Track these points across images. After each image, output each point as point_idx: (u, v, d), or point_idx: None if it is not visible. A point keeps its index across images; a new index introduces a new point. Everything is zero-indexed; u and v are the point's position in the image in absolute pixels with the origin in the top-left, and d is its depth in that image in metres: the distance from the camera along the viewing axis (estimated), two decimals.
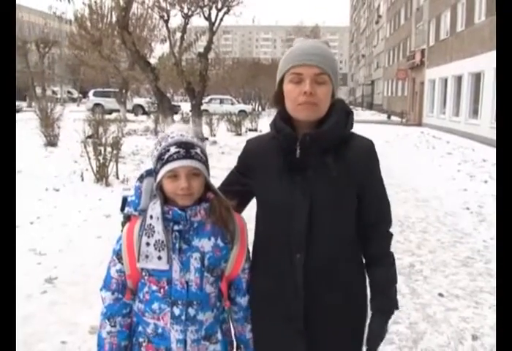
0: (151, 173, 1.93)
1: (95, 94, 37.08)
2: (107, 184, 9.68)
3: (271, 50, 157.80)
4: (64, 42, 36.00)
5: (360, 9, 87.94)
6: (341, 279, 1.95)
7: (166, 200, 1.88)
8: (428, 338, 3.84)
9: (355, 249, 2.00)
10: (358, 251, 2.02)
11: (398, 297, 2.05)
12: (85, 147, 10.23)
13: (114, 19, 19.30)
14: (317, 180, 1.89)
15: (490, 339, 3.83)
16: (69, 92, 52.05)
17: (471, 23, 23.95)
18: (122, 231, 1.95)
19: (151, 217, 1.86)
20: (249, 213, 2.12)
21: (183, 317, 1.89)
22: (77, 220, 6.99)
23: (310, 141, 1.87)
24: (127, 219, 1.96)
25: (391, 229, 2.05)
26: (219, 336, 1.99)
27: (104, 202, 8.21)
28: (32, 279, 4.80)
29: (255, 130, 24.17)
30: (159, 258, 1.84)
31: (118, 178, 10.14)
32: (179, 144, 1.84)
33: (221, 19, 16.17)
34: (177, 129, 1.92)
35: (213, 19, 16.19)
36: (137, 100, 37.91)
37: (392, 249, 2.04)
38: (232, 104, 40.28)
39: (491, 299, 4.57)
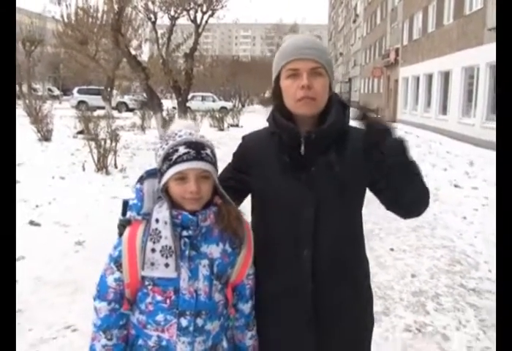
0: (152, 174, 1.83)
1: (79, 92, 37.82)
2: (108, 173, 10.74)
3: (250, 47, 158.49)
4: (49, 40, 36.71)
5: (339, 7, 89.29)
6: (349, 273, 1.94)
7: (172, 204, 1.77)
8: (379, 277, 5.05)
9: (361, 243, 2.02)
10: (363, 246, 2.04)
11: None
12: (87, 140, 11.31)
13: (104, 21, 20.23)
14: (321, 176, 1.86)
15: (424, 277, 5.09)
16: (49, 89, 52.29)
17: (440, 25, 25.30)
18: (121, 236, 1.80)
19: (157, 221, 1.74)
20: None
21: (191, 328, 1.77)
22: (88, 200, 8.08)
23: (315, 138, 1.85)
24: (127, 223, 1.81)
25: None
26: (225, 344, 1.90)
27: (108, 188, 9.30)
28: (64, 242, 5.93)
29: (237, 126, 25.36)
30: (167, 265, 1.73)
31: (116, 167, 11.22)
32: (189, 144, 1.74)
33: (206, 21, 17.28)
34: (184, 127, 1.81)
35: (198, 21, 17.28)
36: (121, 98, 38.72)
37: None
38: (214, 101, 41.17)
39: (431, 252, 5.85)
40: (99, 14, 23.57)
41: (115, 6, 13.53)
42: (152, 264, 1.73)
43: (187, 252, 1.75)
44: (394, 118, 34.93)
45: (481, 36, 18.95)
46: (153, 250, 1.73)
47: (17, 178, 9.46)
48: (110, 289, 1.80)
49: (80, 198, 8.21)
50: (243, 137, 2.10)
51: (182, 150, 1.71)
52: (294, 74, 1.85)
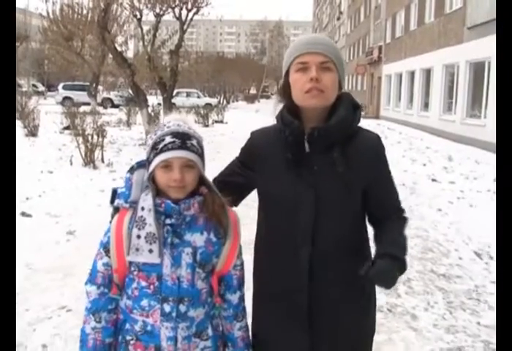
0: (142, 165, 1.88)
1: (64, 87, 37.81)
2: (95, 167, 10.96)
3: (235, 44, 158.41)
4: (34, 36, 36.59)
5: (323, 5, 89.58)
6: (347, 272, 1.91)
7: (158, 192, 1.82)
8: None
9: (360, 243, 1.98)
10: (363, 245, 2.00)
11: None
12: (75, 135, 11.51)
13: (89, 17, 20.32)
14: (323, 174, 1.87)
15: None
16: (34, 85, 52.07)
17: (422, 23, 25.71)
18: (111, 223, 1.88)
19: (143, 209, 1.79)
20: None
21: (173, 314, 1.82)
22: (77, 193, 8.31)
23: (318, 135, 1.86)
24: (116, 211, 1.88)
25: None
26: (210, 331, 1.93)
27: (95, 181, 9.52)
28: (55, 232, 6.17)
29: (221, 122, 25.61)
30: (150, 251, 1.78)
31: (103, 161, 11.43)
32: (175, 134, 1.79)
33: (191, 19, 17.46)
34: (174, 119, 1.86)
35: (183, 18, 17.45)
36: (106, 94, 38.76)
37: None
38: (199, 97, 41.28)
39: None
40: (85, 11, 23.59)
41: (102, 4, 13.67)
42: (137, 249, 1.79)
43: (169, 239, 1.80)
44: (377, 115, 35.35)
45: (461, 34, 19.36)
46: (138, 236, 1.78)
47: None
48: (99, 274, 1.87)
49: (68, 191, 8.44)
50: (252, 133, 2.10)
51: (168, 139, 1.77)
52: (303, 67, 1.87)
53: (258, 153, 2.01)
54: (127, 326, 1.88)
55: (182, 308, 1.83)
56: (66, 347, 3.52)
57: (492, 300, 4.49)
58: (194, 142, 1.81)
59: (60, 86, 38.57)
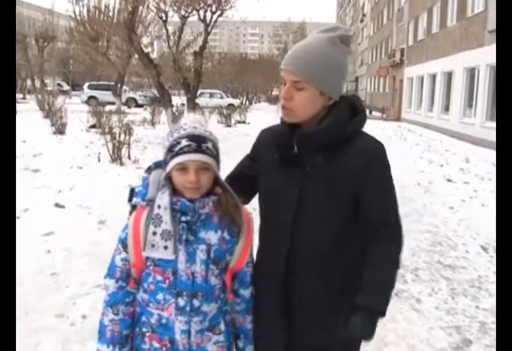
0: (159, 165, 1.95)
1: (90, 87, 38.66)
2: (122, 164, 11.44)
3: (258, 45, 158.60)
4: (60, 36, 37.42)
5: (346, 7, 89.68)
6: (326, 271, 1.94)
7: (174, 191, 1.89)
8: None
9: (346, 244, 1.94)
10: (350, 247, 1.95)
11: None
12: (102, 133, 12.04)
13: (115, 19, 20.90)
14: (312, 176, 1.89)
15: (406, 255, 5.74)
16: (59, 84, 53.03)
17: (444, 26, 25.87)
18: (128, 220, 1.95)
19: (159, 207, 1.86)
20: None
21: (187, 308, 1.89)
22: (105, 187, 8.77)
23: (304, 139, 1.89)
24: (134, 208, 1.96)
25: None
26: (222, 326, 2.00)
27: (122, 177, 9.97)
28: (87, 222, 6.63)
29: (244, 122, 26.07)
30: (165, 248, 1.86)
31: (130, 158, 11.93)
32: (191, 137, 1.84)
33: (216, 21, 17.95)
34: (190, 121, 1.91)
35: (207, 21, 17.94)
36: (131, 93, 39.50)
37: None
38: (222, 98, 41.79)
39: (416, 235, 6.51)
40: (111, 13, 24.22)
41: (129, 6, 14.18)
42: (153, 245, 1.86)
43: (184, 236, 1.87)
44: (399, 117, 35.48)
45: (482, 38, 19.54)
46: (154, 233, 1.86)
47: (36, 167, 10.22)
48: (117, 268, 1.95)
49: (97, 185, 8.91)
50: (261, 130, 2.17)
51: (184, 142, 1.82)
52: (283, 81, 1.91)
53: (261, 149, 2.10)
54: (143, 319, 1.96)
55: (196, 302, 1.89)
56: None
57: (492, 288, 4.83)
58: (210, 144, 1.86)
59: (85, 86, 39.42)
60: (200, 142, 1.84)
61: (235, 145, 14.90)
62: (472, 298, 4.64)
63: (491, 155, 15.30)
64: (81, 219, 6.72)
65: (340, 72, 1.91)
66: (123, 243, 1.94)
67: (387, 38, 44.28)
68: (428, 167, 12.75)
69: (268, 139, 2.07)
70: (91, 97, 36.22)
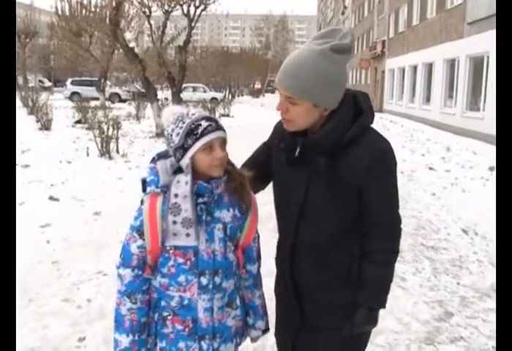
0: (162, 156, 1.99)
1: (73, 83, 38.57)
2: (110, 158, 11.60)
3: (240, 38, 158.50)
4: (43, 32, 37.26)
5: None
6: (328, 261, 2.05)
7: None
8: None
9: (346, 239, 2.03)
10: (350, 240, 2.04)
11: None
12: (90, 128, 12.18)
13: (97, 14, 20.91)
14: (316, 176, 1.96)
15: None
16: (40, 81, 52.68)
17: (424, 18, 26.20)
18: (142, 208, 1.95)
19: (176, 196, 1.88)
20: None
21: (210, 286, 1.96)
22: (97, 181, 8.96)
23: (306, 146, 1.97)
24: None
25: None
26: (238, 301, 2.10)
27: (112, 170, 10.17)
28: (83, 214, 6.82)
29: (227, 115, 26.23)
30: (188, 235, 1.91)
31: (118, 152, 12.09)
32: (207, 118, 1.92)
33: (199, 15, 18.11)
34: (186, 110, 1.97)
35: (191, 15, 18.09)
36: (115, 89, 39.40)
37: None
38: (205, 91, 41.81)
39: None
40: (94, 9, 24.18)
41: (113, 2, 14.28)
42: (174, 234, 1.90)
43: (204, 217, 1.93)
44: (381, 108, 35.82)
45: (461, 29, 19.89)
46: (174, 222, 1.88)
47: (26, 163, 10.34)
48: (134, 256, 1.95)
49: (89, 179, 9.09)
50: (278, 122, 2.19)
51: (204, 123, 1.88)
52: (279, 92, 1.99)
53: (274, 142, 2.18)
54: (163, 303, 1.99)
55: (217, 279, 1.97)
56: (106, 301, 4.16)
57: (472, 267, 5.13)
58: (220, 123, 1.96)
59: (68, 82, 39.31)
60: (216, 121, 1.94)
61: None
62: (454, 276, 4.93)
63: (472, 144, 15.70)
64: (76, 211, 6.91)
65: (333, 83, 1.91)
66: (139, 230, 1.94)
67: (368, 30, 44.54)
68: (410, 156, 13.08)
69: (283, 133, 2.08)
70: (74, 93, 36.21)
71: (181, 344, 1.98)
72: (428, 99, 25.41)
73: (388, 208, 2.00)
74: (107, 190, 8.22)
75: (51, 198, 7.50)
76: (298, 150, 1.99)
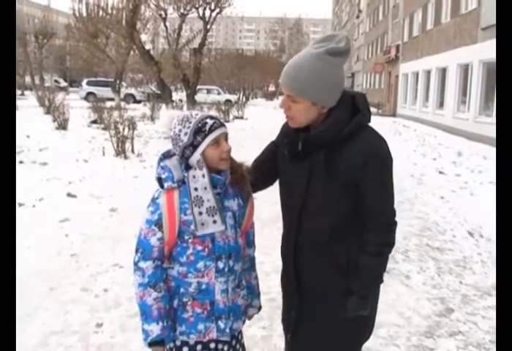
0: (167, 156, 2.17)
1: (88, 83, 39.06)
2: (126, 157, 11.85)
3: (254, 41, 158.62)
4: (60, 33, 37.76)
5: (342, 3, 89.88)
6: (328, 252, 2.17)
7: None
8: None
9: (344, 233, 2.16)
10: (350, 235, 2.16)
11: None
12: (106, 128, 12.44)
13: (114, 16, 21.25)
14: (316, 170, 2.11)
15: (397, 238, 6.18)
16: (56, 81, 53.24)
17: (438, 23, 26.27)
18: (159, 203, 2.09)
19: (196, 189, 2.04)
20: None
21: (226, 269, 2.13)
22: (113, 179, 9.21)
23: (306, 141, 2.13)
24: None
25: None
26: (244, 282, 2.29)
27: (128, 169, 10.41)
28: (100, 210, 7.06)
29: (241, 118, 26.45)
30: (214, 222, 2.07)
31: (133, 152, 12.35)
32: (210, 117, 2.11)
33: (215, 18, 18.37)
34: (188, 112, 2.20)
35: (207, 18, 18.35)
36: (130, 90, 39.81)
37: None
38: (219, 93, 41.99)
39: (407, 221, 6.95)
40: (111, 11, 24.54)
41: (130, 5, 14.56)
42: (202, 224, 2.05)
43: (220, 207, 2.10)
44: (394, 113, 35.87)
45: (475, 34, 19.96)
46: (200, 213, 2.05)
47: (44, 161, 10.63)
48: (155, 248, 2.09)
49: (105, 177, 9.34)
50: (285, 122, 2.32)
51: (210, 121, 2.07)
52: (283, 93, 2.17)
53: (280, 141, 2.34)
54: (182, 290, 2.13)
55: (231, 263, 2.14)
56: (122, 291, 4.39)
57: (476, 267, 5.29)
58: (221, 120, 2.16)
59: (84, 82, 39.82)
60: (218, 119, 2.14)
61: (237, 140, 15.30)
62: (457, 275, 5.09)
63: (483, 149, 15.76)
64: (93, 207, 7.16)
65: (330, 83, 2.07)
66: (157, 223, 2.08)
67: (382, 34, 44.60)
68: (421, 160, 13.22)
69: (287, 131, 2.27)
70: (89, 93, 36.58)
71: (200, 326, 2.12)
72: (441, 104, 25.44)
73: (381, 202, 2.12)
74: (122, 188, 8.46)
75: (69, 195, 7.75)
76: (300, 144, 2.15)
